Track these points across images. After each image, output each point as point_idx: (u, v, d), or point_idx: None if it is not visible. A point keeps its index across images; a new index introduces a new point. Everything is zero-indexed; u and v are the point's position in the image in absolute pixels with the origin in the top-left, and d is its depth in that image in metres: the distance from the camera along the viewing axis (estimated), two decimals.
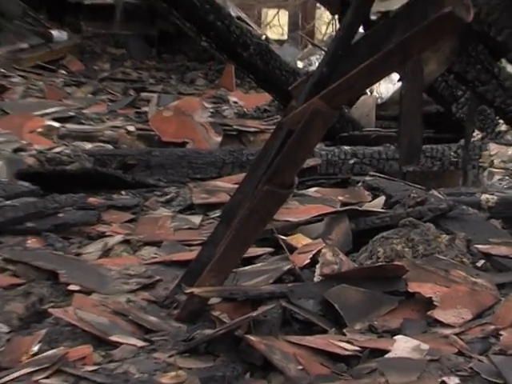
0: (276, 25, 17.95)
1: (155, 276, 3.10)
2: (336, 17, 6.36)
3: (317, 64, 6.66)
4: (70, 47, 10.23)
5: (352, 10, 2.73)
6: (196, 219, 3.92)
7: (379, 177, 4.44)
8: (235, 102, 7.06)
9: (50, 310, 2.77)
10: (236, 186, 3.23)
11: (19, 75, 8.53)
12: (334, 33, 11.60)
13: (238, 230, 2.66)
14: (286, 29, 17.25)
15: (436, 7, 2.37)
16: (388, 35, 2.49)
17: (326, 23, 17.14)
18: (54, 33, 10.40)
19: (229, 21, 6.34)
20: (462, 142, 5.51)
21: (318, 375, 2.42)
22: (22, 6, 11.16)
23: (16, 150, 5.05)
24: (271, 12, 18.64)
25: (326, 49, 6.95)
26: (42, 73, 9.09)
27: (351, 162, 5.33)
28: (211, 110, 6.47)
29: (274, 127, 3.14)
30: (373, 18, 4.34)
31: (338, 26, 8.69)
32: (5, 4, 10.80)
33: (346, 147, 5.47)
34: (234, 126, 6.08)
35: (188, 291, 2.70)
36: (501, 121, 5.72)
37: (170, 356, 2.50)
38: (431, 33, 2.39)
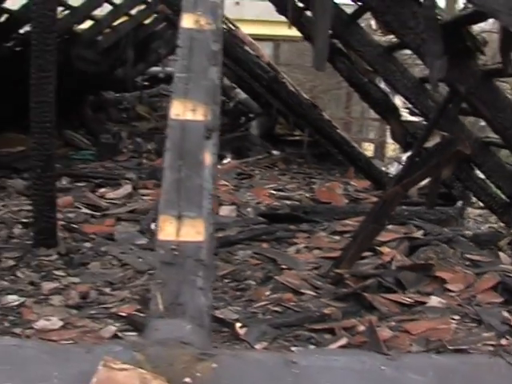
0: None
1: (320, 264, 5.89)
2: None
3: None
4: None
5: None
6: None
7: None
8: (354, 184, 10.32)
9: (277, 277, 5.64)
10: None
11: None
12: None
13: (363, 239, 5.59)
14: None
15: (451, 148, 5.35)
16: (428, 159, 5.50)
17: None
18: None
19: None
20: None
21: (396, 312, 4.74)
22: None
23: (257, 203, 8.48)
24: None
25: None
26: None
27: None
28: (341, 186, 9.76)
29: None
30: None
31: None
32: None
33: None
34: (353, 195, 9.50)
35: (336, 271, 5.67)
36: None
37: (328, 300, 4.99)
38: (451, 160, 5.36)
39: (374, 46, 6.64)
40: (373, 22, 6.69)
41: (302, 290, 5.26)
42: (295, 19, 7.40)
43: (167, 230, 2.23)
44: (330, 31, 5.95)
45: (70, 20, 10.77)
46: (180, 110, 2.65)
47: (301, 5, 7.44)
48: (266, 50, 15.87)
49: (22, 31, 11.10)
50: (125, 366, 1.85)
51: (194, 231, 2.23)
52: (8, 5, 10.22)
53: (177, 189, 2.34)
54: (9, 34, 10.71)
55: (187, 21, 2.99)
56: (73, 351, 1.93)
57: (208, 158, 2.44)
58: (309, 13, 7.35)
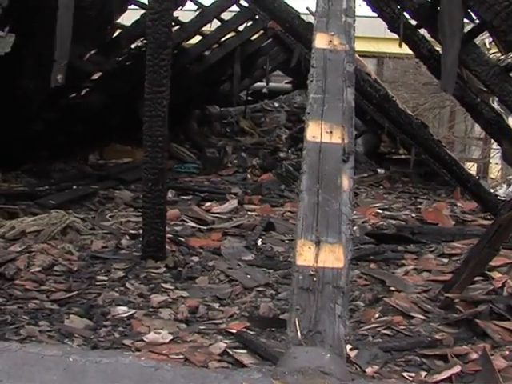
0: None
1: (429, 287, 5.77)
2: None
3: None
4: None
5: None
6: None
7: None
8: (460, 206, 10.10)
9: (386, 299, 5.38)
10: None
11: None
12: None
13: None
14: None
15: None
16: None
17: None
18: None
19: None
20: None
21: (510, 341, 4.51)
22: None
23: (363, 222, 8.37)
24: None
25: None
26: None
27: None
28: (448, 207, 9.56)
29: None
30: None
31: None
32: None
33: None
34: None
35: (446, 295, 5.53)
36: None
37: (439, 325, 4.91)
38: None
39: (491, 66, 6.45)
40: (487, 41, 6.53)
41: (412, 314, 5.18)
42: (407, 37, 7.28)
43: (306, 255, 2.19)
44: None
45: (179, 35, 10.89)
46: (317, 132, 2.60)
47: (414, 22, 7.33)
48: (369, 67, 15.80)
49: (132, 46, 11.34)
50: None
51: (332, 257, 2.18)
52: (121, 20, 10.44)
53: (315, 213, 2.29)
54: (120, 48, 10.93)
55: (320, 41, 2.95)
56: (210, 376, 1.89)
57: (346, 182, 2.39)
58: (422, 31, 7.25)
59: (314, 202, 2.35)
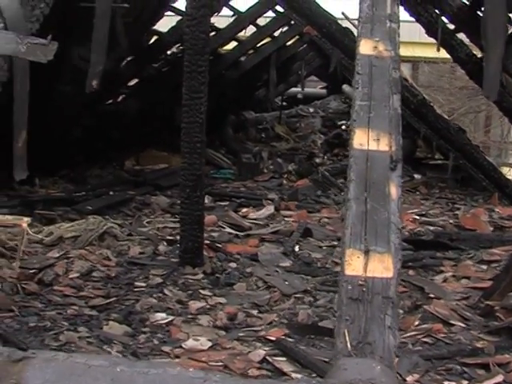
0: None
1: (468, 294, 5.70)
2: None
3: None
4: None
5: None
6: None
7: None
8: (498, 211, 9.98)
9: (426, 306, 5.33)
10: None
11: None
12: None
13: None
14: None
15: None
16: None
17: None
18: None
19: None
20: None
21: None
22: None
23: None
24: None
25: None
26: None
27: None
28: (486, 213, 9.45)
29: None
30: None
31: None
32: None
33: None
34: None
35: (486, 303, 5.46)
36: None
37: (479, 333, 4.85)
38: None
39: None
40: None
41: (452, 321, 5.13)
42: (445, 41, 7.23)
43: (354, 264, 2.16)
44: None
45: (215, 41, 10.92)
46: (363, 140, 2.57)
47: (452, 27, 7.28)
48: (405, 72, 15.72)
49: (169, 52, 11.40)
50: None
51: (382, 267, 2.15)
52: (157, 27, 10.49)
53: (363, 222, 2.26)
54: (157, 55, 10.98)
55: (365, 47, 2.92)
56: None
57: (394, 191, 2.36)
58: (460, 35, 7.20)
59: (362, 210, 2.32)
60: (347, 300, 2.11)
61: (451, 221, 9.14)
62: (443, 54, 8.36)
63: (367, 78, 2.84)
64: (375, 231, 2.28)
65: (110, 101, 11.49)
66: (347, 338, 1.99)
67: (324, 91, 18.59)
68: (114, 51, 7.99)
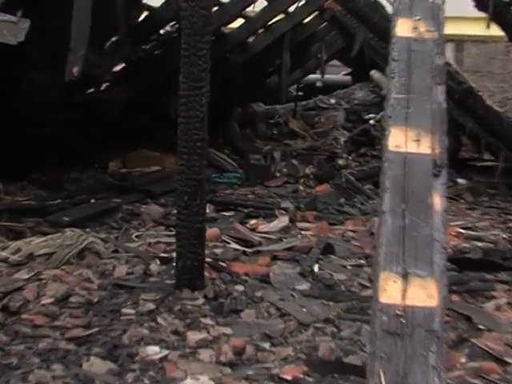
0: None
1: None
2: None
3: None
4: None
5: None
6: None
7: None
8: None
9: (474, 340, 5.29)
10: None
11: None
12: None
13: None
14: None
15: None
16: None
17: None
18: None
19: None
20: None
21: None
22: None
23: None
24: None
25: None
26: None
27: None
28: None
29: None
30: None
31: None
32: None
33: None
34: None
35: None
36: None
37: None
38: None
39: None
40: None
41: (507, 359, 5.08)
42: (497, 15, 7.20)
43: (390, 291, 2.14)
44: None
45: (219, 19, 10.90)
46: (400, 141, 2.56)
47: None
48: (447, 54, 15.70)
49: (162, 31, 11.39)
50: None
51: (424, 294, 2.14)
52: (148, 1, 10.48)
53: (401, 239, 2.25)
54: (147, 34, 10.99)
55: (403, 28, 2.90)
56: None
57: (438, 201, 2.35)
58: None
59: (399, 225, 2.30)
60: (382, 333, 2.08)
61: (504, 235, 9.12)
62: (495, 31, 8.28)
63: (405, 65, 2.82)
64: (415, 250, 2.26)
65: (91, 89, 11.48)
66: (383, 380, 1.97)
67: (348, 78, 18.61)
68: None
